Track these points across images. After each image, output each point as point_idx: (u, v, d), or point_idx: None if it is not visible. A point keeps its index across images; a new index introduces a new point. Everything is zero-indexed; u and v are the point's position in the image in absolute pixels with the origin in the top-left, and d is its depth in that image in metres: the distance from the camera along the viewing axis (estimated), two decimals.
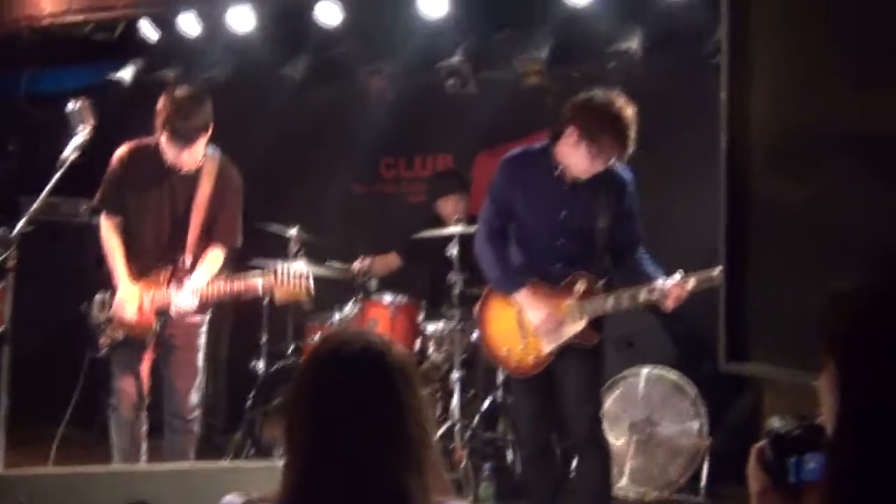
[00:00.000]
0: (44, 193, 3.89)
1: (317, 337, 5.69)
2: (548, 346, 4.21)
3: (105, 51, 6.96)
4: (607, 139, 3.97)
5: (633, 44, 5.83)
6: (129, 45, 6.86)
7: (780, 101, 2.31)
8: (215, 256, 4.60)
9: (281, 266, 4.46)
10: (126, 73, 6.87)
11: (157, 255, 4.55)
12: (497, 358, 4.45)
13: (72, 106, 4.07)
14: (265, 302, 5.81)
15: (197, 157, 4.49)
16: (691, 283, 3.96)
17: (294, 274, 4.41)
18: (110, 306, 4.49)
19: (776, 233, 2.26)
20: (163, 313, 4.49)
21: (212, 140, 4.56)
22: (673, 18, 5.64)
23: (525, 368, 4.30)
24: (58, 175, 3.96)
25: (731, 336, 2.29)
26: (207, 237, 4.61)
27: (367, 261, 6.00)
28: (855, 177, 2.14)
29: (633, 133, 3.97)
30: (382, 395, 1.83)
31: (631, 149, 4.01)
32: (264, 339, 5.88)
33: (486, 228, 4.35)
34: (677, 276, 4.03)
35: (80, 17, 6.62)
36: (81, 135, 4.02)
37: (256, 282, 4.46)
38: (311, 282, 4.44)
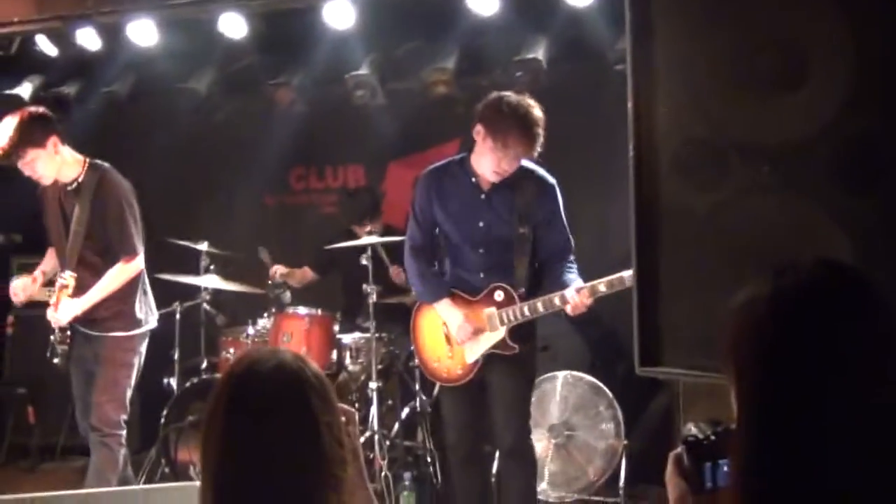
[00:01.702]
0: None
1: (230, 351, 5.62)
2: (471, 356, 4.25)
3: (2, 66, 6.75)
4: (514, 136, 3.98)
5: (539, 53, 5.91)
6: (27, 61, 6.67)
7: (682, 111, 2.36)
8: (115, 273, 4.63)
9: None
10: (24, 89, 6.68)
11: (60, 270, 4.70)
12: (429, 369, 4.46)
13: None
14: (177, 316, 5.72)
15: (35, 173, 4.55)
16: (601, 287, 3.99)
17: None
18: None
19: (685, 239, 2.31)
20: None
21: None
22: (578, 27, 5.72)
23: (454, 378, 4.33)
24: None
25: (644, 341, 2.33)
26: (105, 253, 4.65)
27: (284, 270, 5.99)
28: (758, 185, 2.20)
29: (539, 131, 3.99)
30: (297, 413, 1.79)
31: (538, 147, 4.03)
32: (176, 354, 5.78)
33: (409, 244, 4.37)
34: (579, 285, 4.07)
35: None
36: None
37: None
38: None
